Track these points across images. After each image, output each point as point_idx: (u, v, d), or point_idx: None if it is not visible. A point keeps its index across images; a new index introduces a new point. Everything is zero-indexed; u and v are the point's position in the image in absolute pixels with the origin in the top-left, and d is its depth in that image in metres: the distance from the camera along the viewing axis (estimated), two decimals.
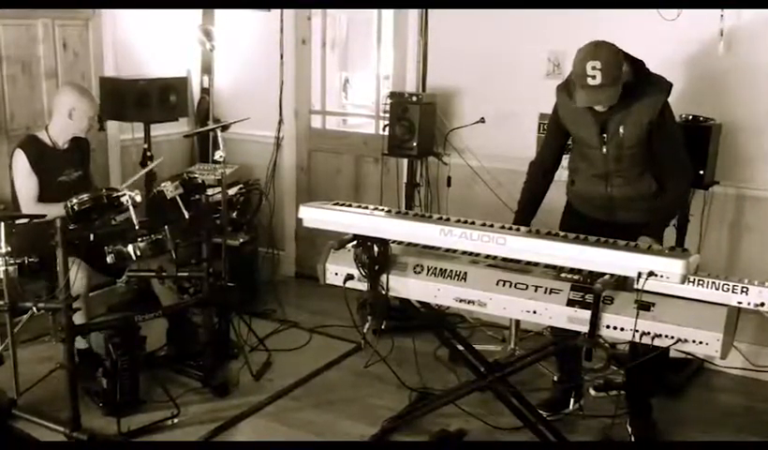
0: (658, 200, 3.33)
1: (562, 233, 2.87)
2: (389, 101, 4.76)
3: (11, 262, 3.35)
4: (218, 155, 4.16)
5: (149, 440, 3.46)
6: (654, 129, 3.21)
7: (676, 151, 3.30)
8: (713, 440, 3.61)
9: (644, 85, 3.19)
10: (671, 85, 3.24)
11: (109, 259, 3.58)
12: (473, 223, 2.85)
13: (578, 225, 3.16)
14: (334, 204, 3.11)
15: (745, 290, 2.52)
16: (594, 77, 3.04)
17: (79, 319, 3.57)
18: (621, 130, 3.22)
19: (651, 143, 3.25)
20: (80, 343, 3.73)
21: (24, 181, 3.94)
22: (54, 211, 3.56)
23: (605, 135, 3.26)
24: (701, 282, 2.58)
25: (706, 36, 4.03)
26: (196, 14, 5.55)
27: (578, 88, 3.14)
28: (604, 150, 3.29)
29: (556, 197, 3.57)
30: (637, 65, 3.22)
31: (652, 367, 3.33)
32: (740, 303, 2.54)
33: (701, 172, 3.87)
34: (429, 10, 4.83)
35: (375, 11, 5.25)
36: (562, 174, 3.60)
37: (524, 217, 3.44)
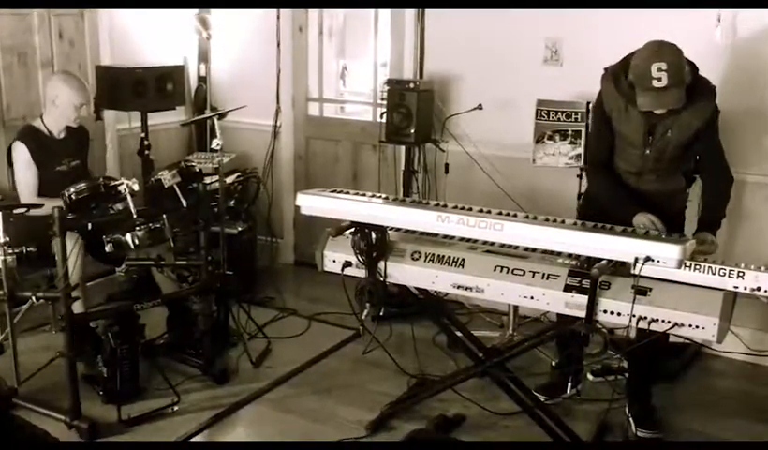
0: (711, 206, 3.26)
1: (559, 219, 2.87)
2: (386, 88, 4.74)
3: (10, 251, 3.36)
4: (216, 143, 4.16)
5: (149, 427, 3.48)
6: (700, 134, 3.18)
7: (720, 155, 3.29)
8: (710, 422, 3.62)
9: (696, 89, 3.10)
10: (715, 88, 3.20)
11: (107, 248, 3.59)
12: (470, 209, 2.86)
13: (596, 214, 3.05)
14: (332, 192, 3.12)
15: (741, 274, 2.54)
16: (660, 79, 2.95)
17: (77, 308, 3.58)
18: (669, 134, 3.17)
19: (693, 146, 3.22)
20: None
21: (24, 173, 3.94)
22: (50, 205, 3.56)
23: (651, 137, 3.20)
24: (697, 267, 2.59)
25: (704, 22, 4.01)
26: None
27: (641, 91, 3.04)
28: (647, 151, 3.23)
29: (564, 183, 3.55)
30: (692, 67, 3.13)
31: (652, 353, 3.35)
32: (736, 287, 2.55)
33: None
34: None
35: None
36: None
37: (630, 203, 3.22)
